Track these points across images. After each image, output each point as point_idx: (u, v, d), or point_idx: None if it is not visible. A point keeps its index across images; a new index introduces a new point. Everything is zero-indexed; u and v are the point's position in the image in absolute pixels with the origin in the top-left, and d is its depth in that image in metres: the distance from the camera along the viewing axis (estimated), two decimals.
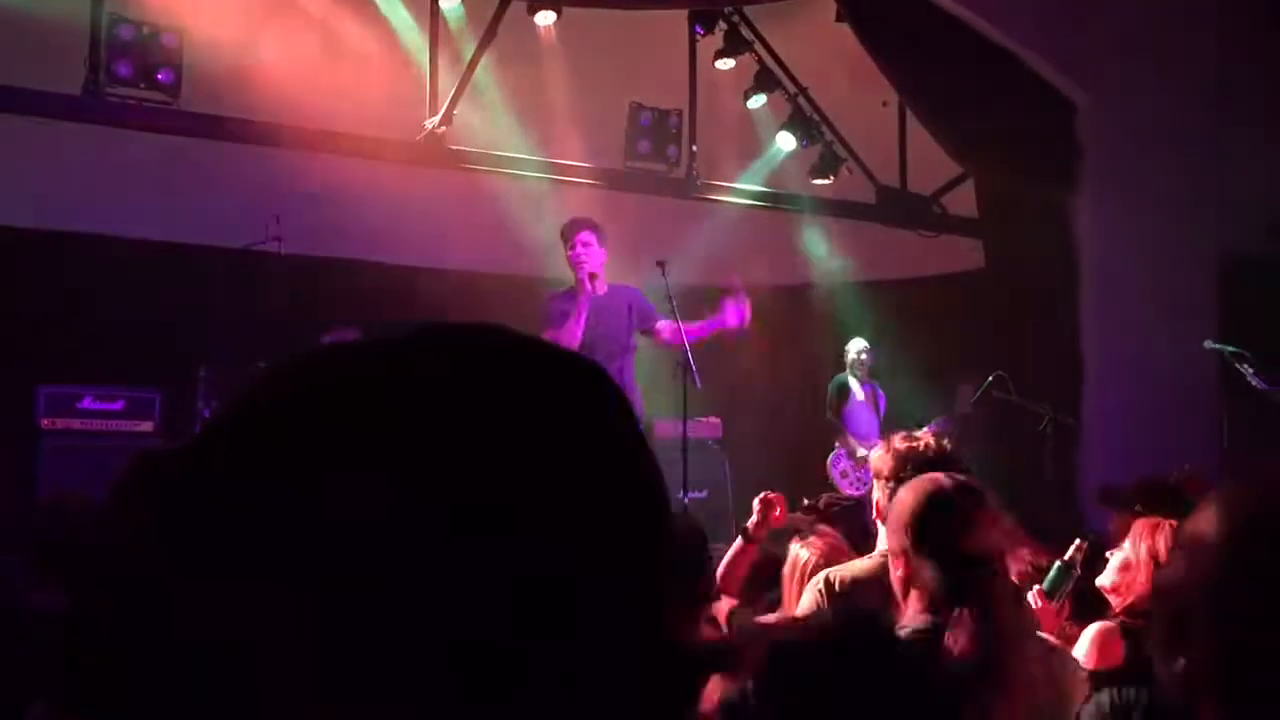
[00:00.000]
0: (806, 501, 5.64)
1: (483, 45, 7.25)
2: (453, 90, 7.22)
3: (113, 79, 6.55)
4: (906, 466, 2.90)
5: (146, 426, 6.68)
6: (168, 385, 6.91)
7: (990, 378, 7.58)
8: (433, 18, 7.33)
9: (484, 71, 7.40)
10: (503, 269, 8.11)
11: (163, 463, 0.60)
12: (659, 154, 8.05)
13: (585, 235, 5.85)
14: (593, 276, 5.81)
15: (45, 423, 6.52)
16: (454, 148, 7.33)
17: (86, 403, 6.56)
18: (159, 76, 6.65)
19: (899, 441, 3.01)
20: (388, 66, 7.30)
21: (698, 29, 8.18)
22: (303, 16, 7.03)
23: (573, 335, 5.67)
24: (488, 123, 7.56)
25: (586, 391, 0.63)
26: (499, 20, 7.23)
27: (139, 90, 6.63)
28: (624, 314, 5.96)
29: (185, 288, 7.31)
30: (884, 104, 8.65)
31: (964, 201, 8.83)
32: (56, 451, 6.41)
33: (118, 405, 6.69)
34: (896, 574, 2.40)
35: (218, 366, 6.84)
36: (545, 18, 7.48)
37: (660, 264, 6.68)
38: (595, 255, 5.86)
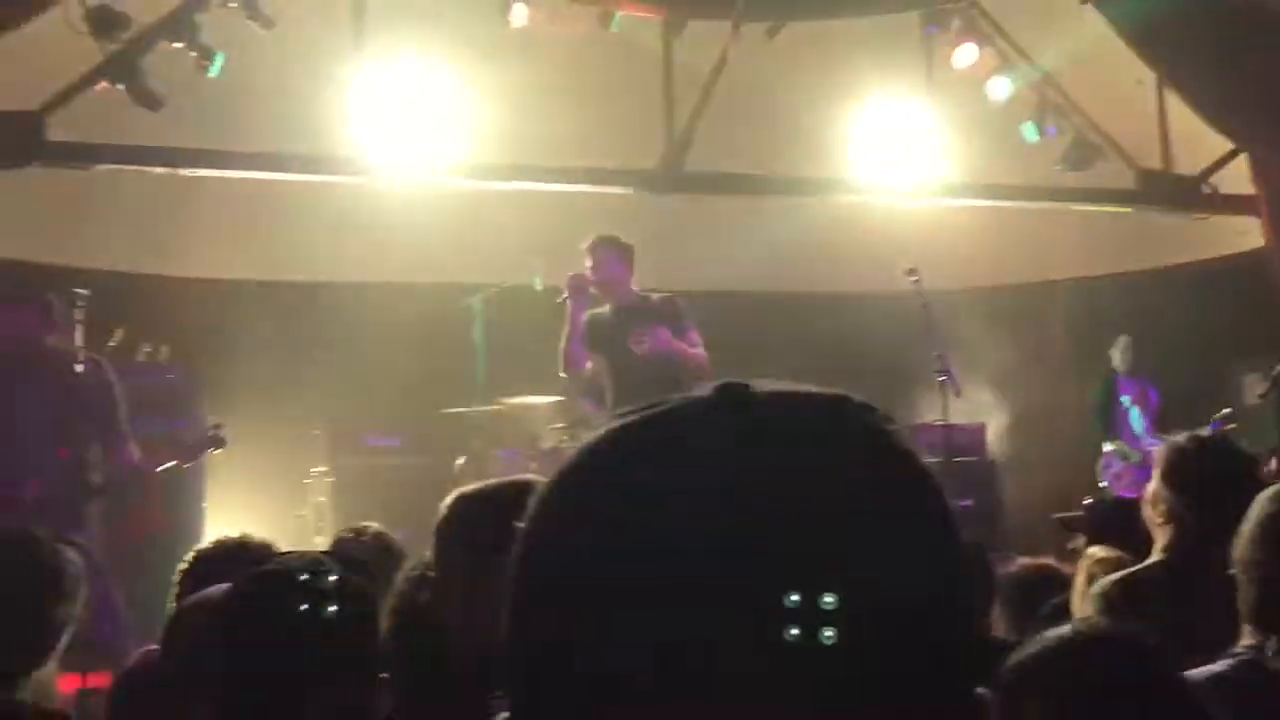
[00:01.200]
0: (1062, 515, 5.35)
1: (717, 69, 7.33)
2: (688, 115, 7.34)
3: None
4: (1197, 467, 2.75)
5: (421, 461, 7.10)
6: (441, 421, 7.29)
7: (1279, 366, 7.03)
8: (665, 45, 7.47)
9: (719, 92, 7.48)
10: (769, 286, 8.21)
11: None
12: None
13: (602, 253, 5.80)
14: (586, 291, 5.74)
15: (327, 462, 7.02)
16: (695, 171, 7.42)
17: (370, 440, 7.01)
18: None
19: (1185, 442, 2.86)
20: (626, 94, 7.50)
21: (930, 28, 8.00)
22: (546, 54, 7.28)
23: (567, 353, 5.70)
24: (725, 143, 7.63)
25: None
26: (730, 43, 7.31)
27: None
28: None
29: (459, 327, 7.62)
30: (1138, 82, 8.20)
31: (1237, 179, 8.25)
32: (343, 488, 6.89)
33: (395, 441, 7.12)
34: None
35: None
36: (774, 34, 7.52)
37: (911, 272, 6.57)
38: (603, 271, 5.77)
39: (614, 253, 5.77)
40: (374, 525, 3.41)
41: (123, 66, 6.32)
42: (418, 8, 7.00)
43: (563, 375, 5.86)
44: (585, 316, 5.70)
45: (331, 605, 1.71)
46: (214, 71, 6.53)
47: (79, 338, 4.85)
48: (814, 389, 0.71)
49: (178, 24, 6.48)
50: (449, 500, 1.95)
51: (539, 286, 6.62)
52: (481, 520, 1.78)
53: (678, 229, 7.98)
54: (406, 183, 7.06)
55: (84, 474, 4.64)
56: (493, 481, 1.97)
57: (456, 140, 6.92)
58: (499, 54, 7.18)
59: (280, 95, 6.84)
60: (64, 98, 6.40)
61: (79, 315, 4.82)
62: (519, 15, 7.01)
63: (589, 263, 5.78)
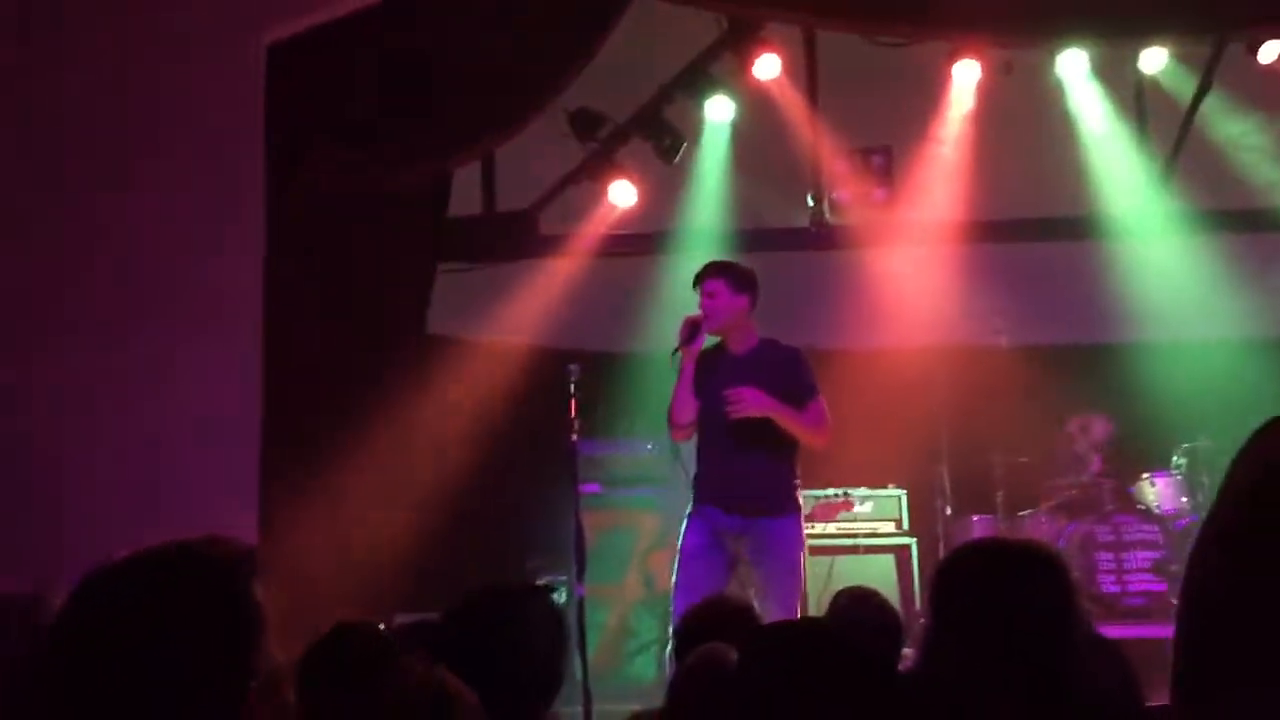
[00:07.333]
0: None
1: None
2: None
3: (833, 206, 7.10)
4: None
5: (889, 526, 6.97)
6: (913, 484, 7.12)
7: None
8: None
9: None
10: None
11: None
12: None
13: (710, 283, 4.66)
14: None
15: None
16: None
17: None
18: (875, 195, 7.08)
19: None
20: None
21: None
22: (991, 117, 6.99)
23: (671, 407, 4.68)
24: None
25: None
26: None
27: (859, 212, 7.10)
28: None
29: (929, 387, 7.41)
30: None
31: None
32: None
33: (867, 507, 7.03)
34: None
35: (955, 461, 6.95)
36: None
37: None
38: (712, 303, 4.65)
39: (723, 280, 4.67)
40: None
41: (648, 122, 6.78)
42: None
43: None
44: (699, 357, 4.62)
45: None
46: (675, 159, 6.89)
47: (573, 410, 5.03)
48: None
49: (648, 119, 6.90)
50: None
51: None
52: None
53: None
54: None
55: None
56: None
57: None
58: None
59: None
60: (551, 196, 7.03)
61: (572, 390, 5.01)
62: None
63: (698, 297, 4.68)
